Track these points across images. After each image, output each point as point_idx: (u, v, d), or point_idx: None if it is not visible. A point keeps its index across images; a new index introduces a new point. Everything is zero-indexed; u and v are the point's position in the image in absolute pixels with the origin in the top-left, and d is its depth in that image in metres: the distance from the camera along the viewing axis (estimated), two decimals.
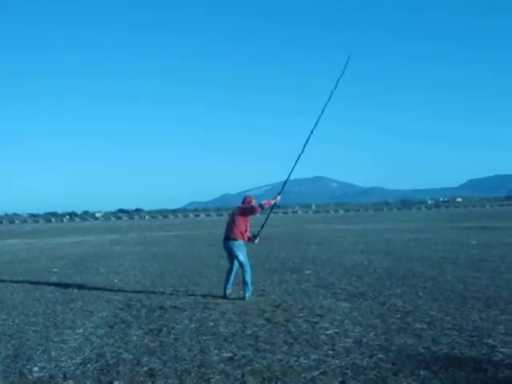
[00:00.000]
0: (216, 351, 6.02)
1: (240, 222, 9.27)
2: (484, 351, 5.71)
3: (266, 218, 9.81)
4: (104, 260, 17.68)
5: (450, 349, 5.83)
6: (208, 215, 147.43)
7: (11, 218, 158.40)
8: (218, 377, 5.17)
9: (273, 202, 9.46)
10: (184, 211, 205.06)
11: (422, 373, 5.07)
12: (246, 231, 9.35)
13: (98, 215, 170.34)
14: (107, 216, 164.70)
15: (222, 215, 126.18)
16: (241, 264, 9.22)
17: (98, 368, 5.58)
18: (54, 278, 13.05)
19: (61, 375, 5.40)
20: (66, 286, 11.58)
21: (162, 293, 10.20)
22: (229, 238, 9.26)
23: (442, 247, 18.00)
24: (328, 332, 6.71)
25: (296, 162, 9.67)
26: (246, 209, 9.35)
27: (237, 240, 9.19)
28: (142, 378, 5.22)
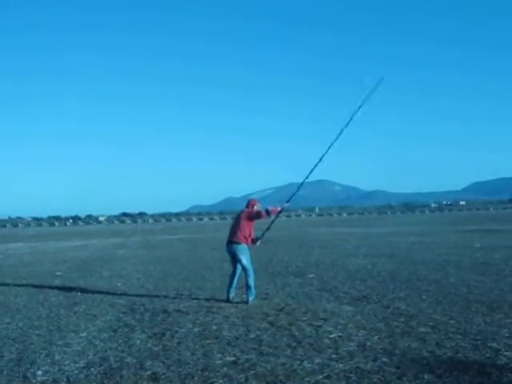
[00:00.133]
0: (219, 355, 6.01)
1: (244, 226, 9.26)
2: (488, 355, 5.70)
3: (272, 223, 9.82)
4: (107, 264, 17.69)
5: (454, 352, 5.81)
6: (211, 219, 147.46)
7: (15, 222, 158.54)
8: (221, 381, 5.17)
9: (279, 208, 9.47)
10: (187, 214, 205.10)
11: (426, 376, 5.06)
12: (249, 235, 9.34)
13: (101, 219, 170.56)
14: (110, 220, 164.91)
15: (225, 219, 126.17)
16: (244, 268, 9.21)
17: (101, 372, 5.58)
18: (57, 282, 13.07)
19: (64, 379, 5.41)
20: (70, 289, 11.59)
21: (166, 296, 10.20)
22: (232, 241, 9.26)
23: (445, 250, 17.95)
24: (331, 336, 6.70)
25: (311, 171, 9.68)
26: (251, 213, 9.33)
27: (240, 244, 9.19)
28: (145, 382, 5.22)
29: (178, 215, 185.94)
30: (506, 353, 5.74)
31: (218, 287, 10.94)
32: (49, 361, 6.06)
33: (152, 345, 6.59)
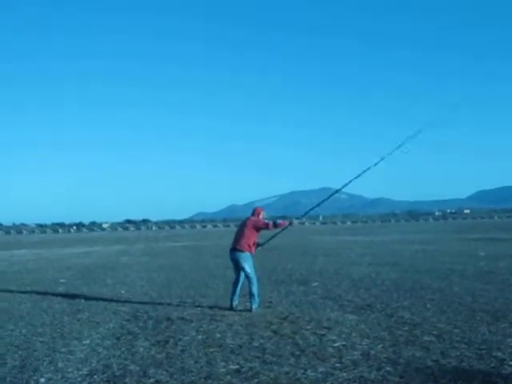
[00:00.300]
0: (223, 363, 6.00)
1: (249, 234, 9.23)
2: (493, 364, 5.67)
3: (277, 233, 9.86)
4: (111, 271, 17.70)
5: (459, 362, 5.78)
6: (215, 226, 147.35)
7: (19, 229, 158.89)
8: None
9: (287, 223, 9.48)
10: (191, 222, 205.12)
11: None
12: (253, 244, 9.32)
13: (105, 226, 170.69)
14: (114, 227, 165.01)
15: (228, 226, 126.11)
16: (247, 276, 9.19)
17: (104, 379, 5.57)
18: (61, 289, 13.08)
19: None
20: (73, 296, 11.59)
21: (169, 304, 10.19)
22: (236, 248, 9.24)
23: (449, 259, 17.89)
24: (335, 344, 6.68)
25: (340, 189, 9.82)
26: (258, 224, 9.28)
27: (244, 252, 9.17)
28: None
29: (181, 222, 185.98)
30: (511, 362, 5.70)
31: (221, 295, 10.93)
32: (52, 368, 6.06)
33: (155, 352, 6.58)
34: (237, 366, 5.86)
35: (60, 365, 6.17)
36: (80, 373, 5.84)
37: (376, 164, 9.83)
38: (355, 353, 6.25)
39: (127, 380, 5.51)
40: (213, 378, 5.49)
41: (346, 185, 9.95)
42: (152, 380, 5.49)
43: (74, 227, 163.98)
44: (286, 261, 19.12)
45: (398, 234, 45.93)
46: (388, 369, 5.59)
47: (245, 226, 9.34)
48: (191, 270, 17.15)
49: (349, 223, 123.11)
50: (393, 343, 6.64)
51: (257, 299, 9.23)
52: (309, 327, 7.73)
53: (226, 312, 9.13)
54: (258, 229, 9.27)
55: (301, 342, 6.87)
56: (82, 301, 10.95)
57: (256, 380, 5.37)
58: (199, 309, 9.56)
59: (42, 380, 5.63)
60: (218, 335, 7.39)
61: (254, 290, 9.17)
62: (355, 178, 9.84)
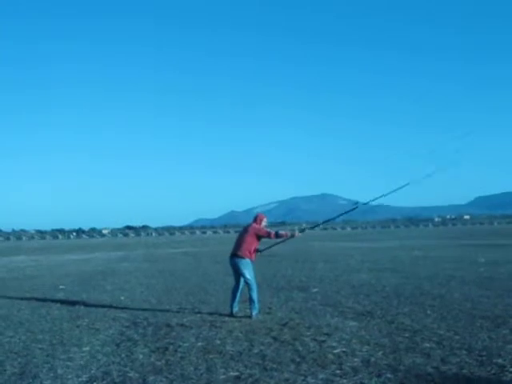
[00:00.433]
0: (223, 370, 5.98)
1: (251, 241, 9.22)
2: (493, 371, 5.65)
3: (279, 242, 9.87)
4: (110, 277, 17.68)
5: (459, 368, 5.77)
6: (215, 232, 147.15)
7: (18, 235, 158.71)
8: None
9: (289, 235, 9.50)
10: (191, 228, 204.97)
11: None
12: (254, 251, 9.31)
13: (104, 232, 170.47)
14: (114, 233, 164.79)
15: (228, 232, 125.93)
16: (247, 282, 9.18)
17: None
18: (60, 295, 13.06)
19: None
20: (73, 303, 11.57)
21: (169, 310, 10.18)
22: (236, 255, 9.23)
23: (449, 265, 17.88)
24: (335, 351, 6.66)
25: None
26: (261, 232, 9.26)
27: (244, 258, 9.16)
28: None
29: (181, 229, 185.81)
30: (511, 369, 5.69)
31: (221, 301, 10.91)
32: (51, 375, 6.04)
33: (155, 359, 6.57)
34: (237, 373, 5.85)
35: (59, 372, 6.15)
36: (79, 380, 5.82)
37: (402, 187, 10.09)
38: (355, 359, 6.24)
39: None
40: None
41: (372, 201, 10.25)
42: None
43: (74, 233, 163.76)
44: (286, 267, 19.10)
45: (398, 239, 45.91)
46: (388, 375, 5.57)
47: (246, 233, 9.32)
48: (191, 276, 17.13)
49: (349, 229, 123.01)
50: (393, 350, 6.63)
51: (257, 305, 9.21)
52: (309, 333, 7.72)
53: (226, 318, 9.12)
54: (259, 237, 9.27)
55: (301, 348, 6.86)
56: (82, 307, 10.93)
57: None
58: (199, 315, 9.54)
59: None
60: (218, 342, 7.38)
61: (254, 296, 9.16)
62: (383, 195, 10.21)
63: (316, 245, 40.31)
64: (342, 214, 10.69)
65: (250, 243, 9.20)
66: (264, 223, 9.53)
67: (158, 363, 6.38)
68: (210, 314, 9.63)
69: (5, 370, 6.28)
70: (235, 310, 9.36)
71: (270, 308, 9.99)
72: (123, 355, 6.82)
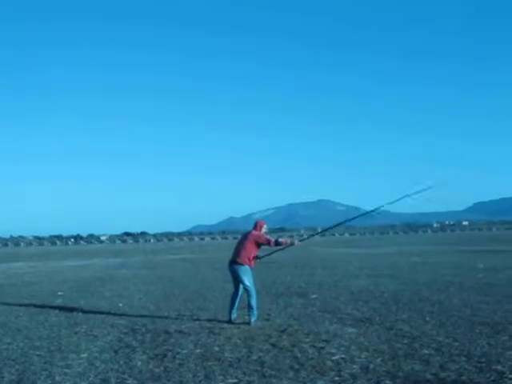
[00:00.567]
0: (221, 377, 5.97)
1: (250, 248, 9.22)
2: (493, 378, 5.64)
3: (278, 250, 9.89)
4: (109, 284, 17.64)
5: (458, 375, 5.76)
6: (213, 238, 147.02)
7: (16, 241, 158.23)
8: None
9: (289, 243, 9.51)
10: (189, 234, 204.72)
11: None
12: (253, 258, 9.30)
13: (103, 238, 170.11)
14: (112, 239, 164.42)
15: (227, 238, 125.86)
16: (246, 289, 9.17)
17: None
18: (58, 302, 13.03)
19: None
20: (71, 309, 11.54)
21: (167, 317, 10.15)
22: (235, 262, 9.22)
23: (448, 271, 17.88)
24: (334, 358, 6.65)
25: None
26: (261, 239, 9.27)
27: (243, 265, 9.15)
28: None
29: (179, 235, 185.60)
30: (510, 375, 5.68)
31: (220, 308, 10.89)
32: (49, 382, 6.02)
33: (153, 366, 6.55)
34: (235, 380, 5.83)
35: (57, 378, 6.13)
36: None
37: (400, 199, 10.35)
38: (354, 366, 6.23)
39: None
40: None
41: (377, 209, 10.71)
42: None
43: (72, 239, 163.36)
44: (285, 273, 19.09)
45: (397, 245, 45.92)
46: (387, 382, 5.56)
47: (246, 240, 9.32)
48: (189, 282, 17.10)
49: (347, 235, 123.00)
50: (392, 356, 6.62)
51: (255, 312, 9.20)
52: (307, 340, 7.70)
53: (225, 325, 9.10)
54: (259, 244, 9.27)
55: (299, 355, 6.84)
56: (80, 314, 10.90)
57: None
58: (197, 322, 9.52)
59: None
60: (217, 348, 7.36)
61: (253, 303, 9.14)
62: (388, 203, 10.48)
63: (315, 251, 40.29)
64: (341, 224, 10.82)
65: (250, 250, 9.20)
66: (264, 230, 9.53)
67: (157, 370, 6.36)
68: (209, 320, 9.62)
69: (2, 377, 6.26)
70: (234, 316, 9.35)
71: (268, 314, 9.97)
72: (121, 362, 6.80)
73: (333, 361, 6.50)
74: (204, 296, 13.19)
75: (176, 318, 9.96)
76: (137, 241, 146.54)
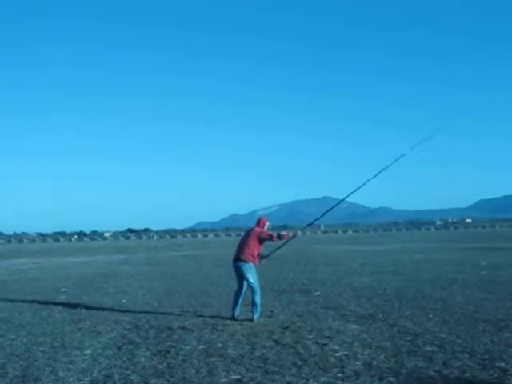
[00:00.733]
0: (224, 373, 5.98)
1: (253, 245, 9.22)
2: (496, 375, 5.64)
3: (281, 245, 9.89)
4: (112, 280, 17.68)
5: (462, 372, 5.76)
6: (216, 235, 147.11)
7: (20, 238, 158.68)
8: None
9: (291, 235, 9.51)
10: (192, 231, 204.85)
11: None
12: (257, 255, 9.31)
13: (106, 235, 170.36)
14: (116, 236, 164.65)
15: (230, 235, 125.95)
16: (251, 286, 9.17)
17: None
18: (62, 298, 13.06)
19: None
20: (74, 306, 11.57)
21: (170, 313, 10.17)
22: (239, 259, 9.23)
23: (451, 268, 17.86)
24: (337, 354, 6.65)
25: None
26: (263, 235, 9.27)
27: (247, 262, 9.15)
28: None
29: (183, 232, 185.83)
30: None
31: (223, 304, 10.91)
32: (53, 378, 6.04)
33: (156, 362, 6.56)
34: (238, 376, 5.84)
35: (61, 374, 6.15)
36: (81, 383, 5.82)
37: (380, 172, 10.05)
38: (357, 363, 6.23)
39: None
40: None
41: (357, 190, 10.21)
42: None
43: (75, 236, 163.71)
44: (288, 270, 19.10)
45: (400, 243, 45.88)
46: (390, 379, 5.56)
47: (249, 236, 9.33)
48: (192, 279, 17.12)
49: (350, 232, 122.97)
50: (395, 353, 6.62)
51: (259, 309, 9.21)
52: (310, 337, 7.71)
53: (228, 321, 9.11)
54: (262, 240, 9.27)
55: (302, 351, 6.85)
56: (83, 310, 10.93)
57: None
58: (201, 318, 9.53)
59: None
60: (220, 345, 7.37)
61: (257, 299, 9.15)
62: (363, 184, 10.03)
63: (318, 248, 40.31)
64: (327, 212, 10.60)
65: (253, 247, 9.21)
66: (266, 227, 9.54)
67: (160, 366, 6.37)
68: (212, 317, 9.63)
69: (6, 373, 6.28)
70: (237, 313, 9.36)
71: (271, 311, 9.99)
72: (125, 358, 6.82)
73: (336, 357, 6.51)
74: (207, 292, 13.21)
75: (179, 315, 9.98)
76: (140, 237, 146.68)
